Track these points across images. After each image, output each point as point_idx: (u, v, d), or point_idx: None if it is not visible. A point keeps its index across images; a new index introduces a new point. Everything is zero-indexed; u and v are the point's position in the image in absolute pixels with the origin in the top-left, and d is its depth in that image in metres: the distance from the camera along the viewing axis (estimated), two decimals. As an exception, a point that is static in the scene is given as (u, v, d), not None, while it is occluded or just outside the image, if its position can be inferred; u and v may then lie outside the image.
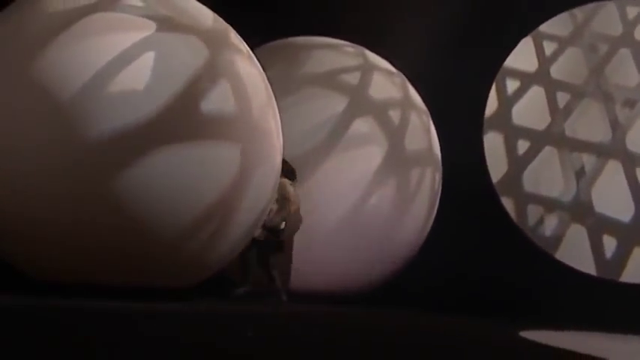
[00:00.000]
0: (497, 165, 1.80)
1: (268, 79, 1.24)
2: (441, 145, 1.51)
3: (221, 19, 1.19)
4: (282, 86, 1.33)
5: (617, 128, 1.87)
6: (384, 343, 1.01)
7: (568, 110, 1.88)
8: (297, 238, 1.33)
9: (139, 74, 1.06)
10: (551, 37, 1.90)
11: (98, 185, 1.02)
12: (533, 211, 1.82)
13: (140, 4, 1.11)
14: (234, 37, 1.20)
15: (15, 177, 1.02)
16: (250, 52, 1.22)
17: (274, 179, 1.20)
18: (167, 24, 1.10)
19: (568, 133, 1.86)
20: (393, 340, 1.05)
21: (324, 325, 1.14)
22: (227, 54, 1.15)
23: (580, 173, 1.85)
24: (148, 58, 1.07)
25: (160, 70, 1.07)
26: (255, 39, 1.36)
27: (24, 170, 1.02)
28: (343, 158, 1.35)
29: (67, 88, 1.03)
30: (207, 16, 1.17)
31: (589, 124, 1.87)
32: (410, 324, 1.29)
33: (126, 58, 1.06)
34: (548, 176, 1.84)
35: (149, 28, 1.09)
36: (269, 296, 1.28)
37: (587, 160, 1.85)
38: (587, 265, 1.81)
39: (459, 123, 1.70)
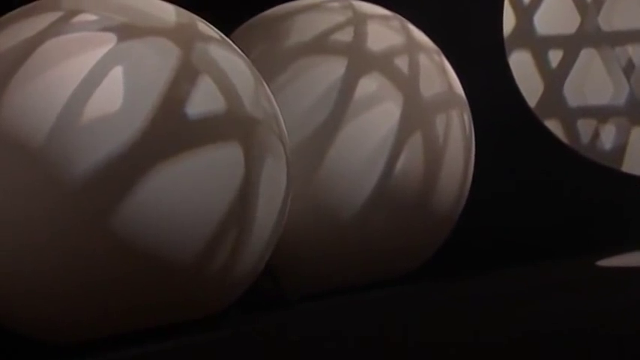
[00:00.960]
0: (531, 86, 1.79)
1: (254, 61, 1.24)
2: (463, 82, 1.50)
3: (185, 11, 1.19)
4: (271, 65, 1.34)
5: (660, 6, 1.84)
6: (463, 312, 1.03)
7: (598, 2, 1.85)
8: (325, 223, 1.35)
9: (111, 94, 1.06)
10: None
11: (95, 223, 1.04)
12: (585, 127, 1.81)
13: (93, 17, 1.11)
14: (204, 27, 1.19)
15: (4, 234, 1.04)
16: (226, 38, 1.22)
17: (284, 168, 1.21)
18: (128, 32, 1.11)
19: (604, 27, 1.83)
20: (477, 306, 1.07)
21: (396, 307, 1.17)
22: (201, 48, 1.15)
23: (628, 69, 1.82)
24: (117, 73, 1.07)
25: (132, 84, 1.08)
26: (229, 21, 1.38)
27: (15, 226, 1.04)
28: (357, 125, 1.35)
29: (37, 129, 1.04)
30: (169, 12, 1.17)
31: (626, 10, 1.84)
32: (483, 284, 1.31)
33: (92, 81, 1.06)
34: (592, 82, 1.82)
35: (109, 41, 1.09)
36: (280, 300, 1.30)
37: (634, 51, 1.82)
38: (660, 170, 1.79)
39: (477, 51, 1.69)
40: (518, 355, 0.83)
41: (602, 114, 1.80)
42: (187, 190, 1.09)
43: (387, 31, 1.42)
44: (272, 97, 1.23)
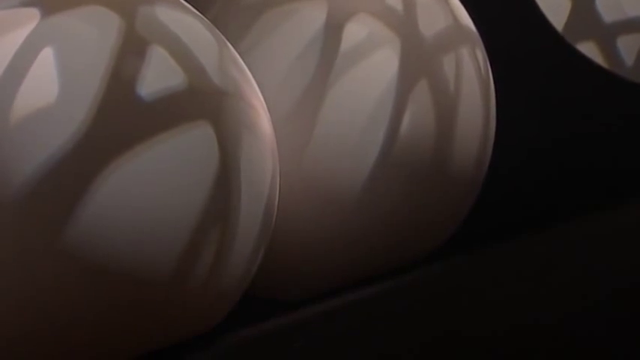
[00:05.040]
0: (556, 7, 1.77)
1: (213, 20, 1.22)
2: (473, 15, 1.49)
3: (121, -31, 1.18)
4: (235, 23, 1.32)
5: None
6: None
7: None
8: (325, 204, 1.33)
9: (43, 84, 1.04)
10: None
11: (46, 244, 1.02)
12: (627, 45, 1.80)
13: (5, -8, 1.09)
14: (147, -14, 1.18)
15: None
16: (176, -4, 1.21)
17: (267, 145, 1.19)
18: (53, 3, 1.08)
19: None
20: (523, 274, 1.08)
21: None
22: (146, 12, 1.12)
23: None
24: (47, 57, 1.05)
25: (68, 68, 1.05)
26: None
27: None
28: (350, 81, 1.34)
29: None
30: (101, -28, 1.15)
31: None
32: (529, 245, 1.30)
33: (17, 70, 1.03)
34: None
35: (32, 17, 1.07)
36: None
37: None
38: None
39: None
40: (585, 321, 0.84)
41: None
42: (153, 189, 1.07)
43: (371, -38, 1.39)
44: (241, 61, 1.21)
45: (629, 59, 1.77)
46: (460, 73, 1.41)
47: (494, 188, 1.48)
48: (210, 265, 1.11)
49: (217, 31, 1.21)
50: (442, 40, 1.40)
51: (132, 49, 1.09)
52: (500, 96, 1.48)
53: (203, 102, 1.13)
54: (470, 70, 1.43)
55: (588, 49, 1.75)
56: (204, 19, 1.21)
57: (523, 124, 1.63)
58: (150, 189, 1.07)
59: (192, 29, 1.17)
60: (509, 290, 1.12)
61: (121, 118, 1.07)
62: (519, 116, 1.57)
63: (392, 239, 1.37)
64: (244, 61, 1.23)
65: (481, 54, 1.47)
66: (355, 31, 1.34)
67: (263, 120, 1.21)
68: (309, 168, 1.32)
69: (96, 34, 1.09)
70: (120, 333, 1.08)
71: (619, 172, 1.70)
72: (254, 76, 1.23)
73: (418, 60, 1.38)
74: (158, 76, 1.10)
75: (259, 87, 1.24)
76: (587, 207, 1.50)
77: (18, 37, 1.06)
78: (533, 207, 1.59)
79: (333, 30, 1.33)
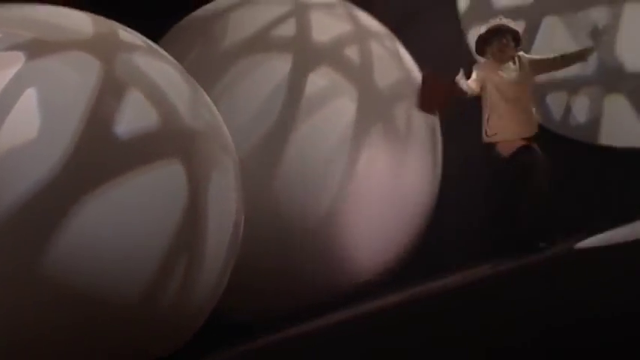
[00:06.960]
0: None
1: (188, 67, 1.24)
2: (422, 66, 1.52)
3: (103, 19, 1.18)
4: (208, 70, 1.34)
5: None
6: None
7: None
8: (289, 232, 1.36)
9: (25, 122, 1.05)
10: None
11: (23, 272, 1.03)
12: (555, 101, 1.87)
13: (-6, 36, 1.04)
14: (127, 34, 1.18)
15: None
16: (153, 45, 1.21)
17: (233, 182, 1.20)
18: (38, 48, 1.09)
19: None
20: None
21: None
22: (125, 58, 1.14)
23: (595, 34, 1.86)
24: (30, 97, 1.06)
25: (49, 107, 1.06)
26: (156, 24, 1.41)
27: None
28: (311, 125, 1.36)
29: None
30: (85, 21, 1.16)
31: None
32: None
33: (2, 108, 1.05)
34: (557, 52, 1.88)
35: (17, 60, 1.07)
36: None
37: (598, 15, 1.88)
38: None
39: (433, 29, 1.75)
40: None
41: (571, 85, 1.83)
42: (125, 221, 1.07)
43: (332, 20, 1.43)
44: (212, 105, 1.22)
45: (556, 114, 1.84)
46: (411, 121, 1.46)
47: (440, 220, 1.53)
48: (177, 290, 1.12)
49: (190, 77, 1.22)
50: (395, 91, 1.45)
51: (110, 92, 1.10)
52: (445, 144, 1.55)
53: (174, 141, 1.14)
54: (419, 119, 1.48)
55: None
56: (179, 65, 1.22)
57: (465, 169, 1.67)
58: (123, 220, 1.08)
59: (168, 75, 1.18)
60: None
61: (98, 155, 1.08)
62: (461, 162, 1.62)
63: (349, 262, 1.42)
64: (215, 105, 1.25)
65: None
66: (317, 81, 1.39)
67: (230, 159, 1.22)
68: (274, 201, 1.35)
69: (77, 76, 1.09)
70: (90, 353, 1.09)
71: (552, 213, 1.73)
72: (224, 118, 1.24)
73: (373, 108, 1.42)
74: (133, 116, 1.12)
75: (228, 128, 1.25)
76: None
77: (2, 78, 1.07)
78: (476, 241, 1.63)
79: (296, 79, 1.38)
